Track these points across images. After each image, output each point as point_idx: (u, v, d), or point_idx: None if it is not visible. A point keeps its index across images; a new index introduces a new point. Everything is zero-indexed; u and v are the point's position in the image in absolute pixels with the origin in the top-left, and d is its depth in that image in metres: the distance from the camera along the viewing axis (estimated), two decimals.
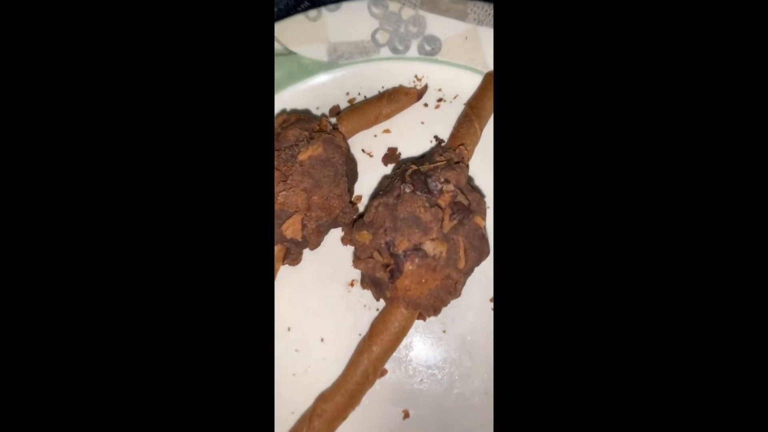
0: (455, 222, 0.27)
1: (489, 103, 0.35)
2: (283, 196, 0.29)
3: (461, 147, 0.31)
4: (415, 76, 0.39)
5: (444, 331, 0.32)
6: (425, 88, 0.38)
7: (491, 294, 0.33)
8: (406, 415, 0.30)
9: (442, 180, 0.28)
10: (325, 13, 0.39)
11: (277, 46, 0.39)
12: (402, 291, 0.27)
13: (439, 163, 0.29)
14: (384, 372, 0.31)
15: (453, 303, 0.32)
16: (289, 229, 0.31)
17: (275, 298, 0.33)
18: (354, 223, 0.30)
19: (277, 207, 0.30)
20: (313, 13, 0.39)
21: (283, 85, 0.39)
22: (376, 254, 0.27)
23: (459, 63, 0.39)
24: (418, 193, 0.28)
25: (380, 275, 0.27)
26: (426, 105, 0.39)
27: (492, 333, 0.32)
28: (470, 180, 0.31)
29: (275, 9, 0.44)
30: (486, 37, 0.38)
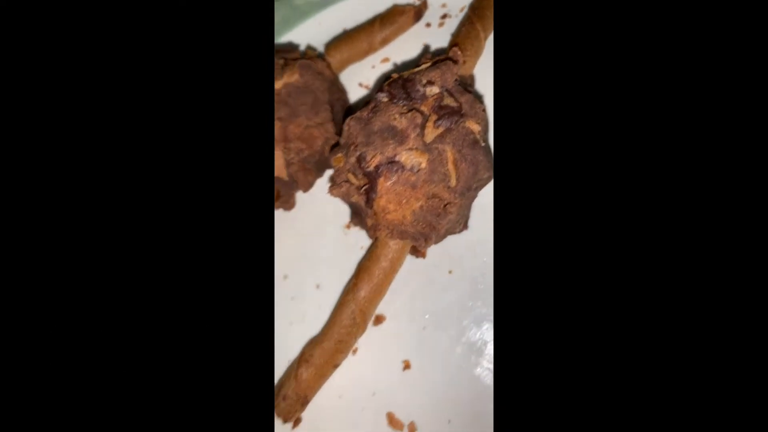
0: (441, 129, 0.23)
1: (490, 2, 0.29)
2: None
3: (455, 48, 0.26)
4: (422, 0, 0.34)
5: (450, 272, 0.27)
6: (424, 4, 0.33)
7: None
8: (407, 366, 0.26)
9: (424, 83, 0.23)
10: None
11: None
12: (381, 215, 0.23)
13: (423, 67, 0.24)
14: (381, 318, 0.28)
15: (460, 239, 0.27)
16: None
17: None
18: (331, 150, 0.27)
19: None
20: None
21: (279, 31, 0.37)
22: (350, 176, 0.24)
23: None
24: (396, 101, 0.23)
25: (356, 199, 0.24)
26: (428, 25, 0.34)
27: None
28: (466, 83, 0.25)
29: None
30: None
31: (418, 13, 0.33)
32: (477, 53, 0.28)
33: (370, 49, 0.33)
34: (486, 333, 0.26)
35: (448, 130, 0.23)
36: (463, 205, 0.24)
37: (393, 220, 0.23)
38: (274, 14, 0.38)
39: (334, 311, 0.26)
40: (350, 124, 0.24)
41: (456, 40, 0.28)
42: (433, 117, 0.23)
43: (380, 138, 0.23)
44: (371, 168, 0.22)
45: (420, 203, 0.23)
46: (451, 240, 0.27)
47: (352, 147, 0.23)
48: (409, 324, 0.27)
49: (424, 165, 0.22)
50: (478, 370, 0.25)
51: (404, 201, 0.22)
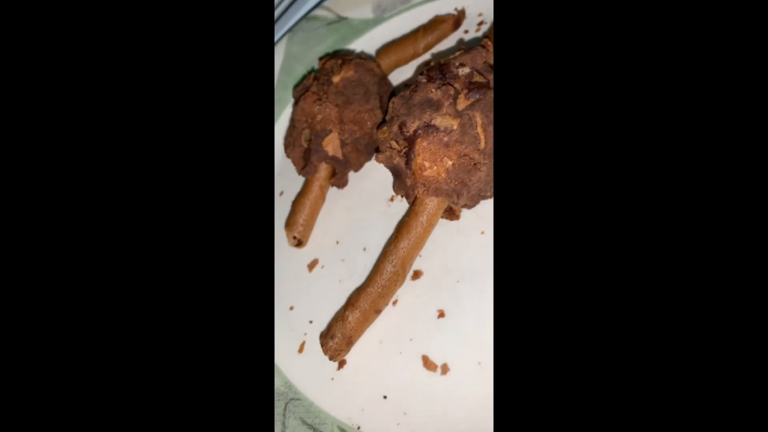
0: (471, 100, 0.27)
1: None
2: (318, 110, 0.33)
3: (486, 39, 0.30)
4: (455, 9, 0.40)
5: (482, 233, 0.30)
6: (462, 13, 0.39)
7: None
8: (441, 314, 0.29)
9: (457, 65, 0.28)
10: None
11: (329, 14, 0.45)
12: (419, 172, 0.27)
13: (457, 54, 0.29)
14: (419, 273, 0.31)
15: (490, 203, 0.30)
16: (329, 145, 0.34)
17: (327, 215, 0.36)
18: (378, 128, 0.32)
19: (315, 124, 0.34)
20: None
21: (338, 47, 0.44)
22: (392, 143, 0.28)
23: None
24: (434, 81, 0.28)
25: (397, 161, 0.28)
26: (466, 31, 0.39)
27: None
28: (492, 69, 0.29)
29: None
30: None
31: (457, 21, 0.39)
32: None
33: (415, 54, 0.39)
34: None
35: (477, 100, 0.27)
36: (491, 167, 0.27)
37: (429, 177, 0.27)
38: (335, 33, 0.45)
39: (377, 262, 0.29)
40: (394, 101, 0.29)
41: (488, 35, 0.33)
42: (464, 91, 0.27)
43: (419, 108, 0.27)
44: (410, 132, 0.27)
45: (452, 161, 0.26)
46: (482, 204, 0.30)
47: (395, 119, 0.28)
48: (445, 278, 0.30)
49: (455, 127, 0.26)
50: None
51: (438, 159, 0.26)
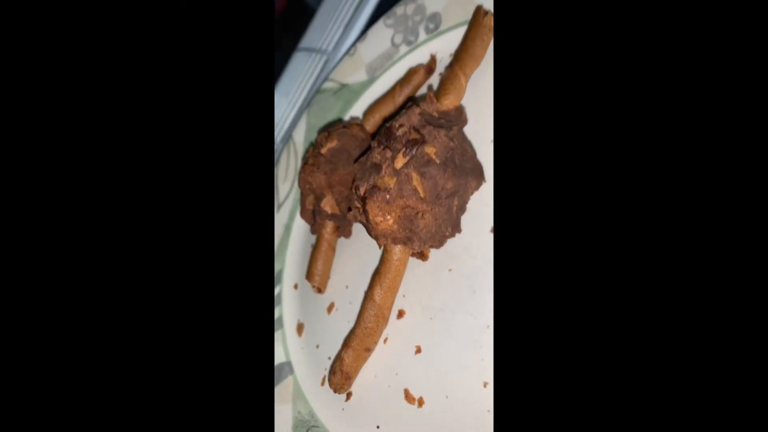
0: (408, 157, 0.30)
1: (470, 43, 0.35)
2: (312, 178, 0.40)
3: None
4: (431, 55, 0.42)
5: (450, 269, 0.32)
6: (433, 60, 0.41)
7: (490, 225, 0.30)
8: (418, 350, 0.31)
9: (397, 126, 0.31)
10: (359, 45, 0.50)
11: (334, 84, 0.52)
12: (375, 226, 0.31)
13: (401, 114, 0.32)
14: (403, 312, 0.34)
15: (456, 242, 0.32)
16: (327, 206, 0.40)
17: (339, 263, 0.42)
18: None
19: (315, 189, 0.40)
20: (351, 50, 0.50)
21: (345, 111, 0.51)
22: (355, 203, 0.33)
23: (459, 22, 0.40)
24: (381, 145, 0.32)
25: (360, 218, 0.32)
26: (441, 74, 0.41)
27: (491, 262, 0.29)
28: (434, 119, 0.31)
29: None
30: None
31: (429, 69, 0.41)
32: (457, 90, 0.34)
33: (395, 107, 0.42)
34: (481, 321, 0.29)
35: (412, 157, 0.30)
36: (438, 212, 0.29)
37: (384, 229, 0.31)
38: (341, 99, 0.52)
39: (360, 307, 0.34)
40: (355, 167, 0.34)
41: (441, 83, 0.35)
42: (402, 150, 0.30)
43: (368, 172, 0.31)
44: (362, 193, 0.31)
45: (397, 214, 0.30)
46: (449, 243, 0.32)
47: (354, 182, 0.33)
48: (421, 315, 0.32)
49: (392, 186, 0.29)
50: (473, 354, 0.28)
51: (385, 214, 0.30)
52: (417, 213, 0.29)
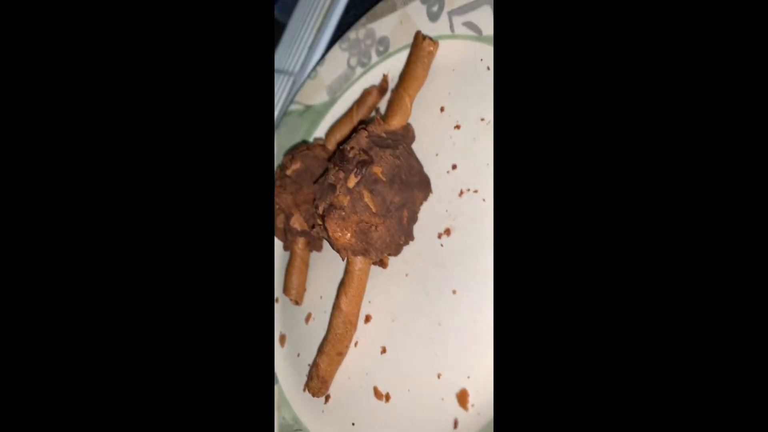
0: (359, 177, 0.33)
1: (412, 66, 0.38)
2: (280, 199, 0.42)
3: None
4: (383, 75, 0.46)
5: (407, 275, 0.35)
6: (385, 80, 0.44)
7: (438, 231, 0.33)
8: (384, 350, 0.34)
9: (349, 149, 0.34)
10: (319, 69, 0.53)
11: (299, 106, 0.55)
12: (335, 241, 0.34)
13: (351, 137, 0.35)
14: (369, 317, 0.36)
15: (410, 248, 0.35)
16: (296, 223, 0.43)
17: (314, 275, 0.45)
18: None
19: (284, 209, 0.43)
20: (312, 73, 0.53)
21: (311, 131, 0.54)
22: (317, 221, 0.35)
23: (406, 44, 0.43)
24: (336, 167, 0.35)
25: (323, 234, 0.35)
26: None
27: (440, 265, 0.32)
28: (382, 139, 0.35)
29: (291, 81, 0.61)
30: (414, 10, 0.41)
31: (382, 89, 0.44)
32: (402, 110, 0.37)
33: (353, 126, 0.46)
34: (433, 319, 0.32)
35: (362, 176, 0.33)
36: (389, 224, 0.33)
37: (344, 243, 0.34)
38: (306, 120, 0.55)
39: (329, 320, 0.37)
40: (314, 188, 0.37)
41: (388, 105, 0.38)
42: (354, 170, 0.33)
43: (325, 192, 0.34)
44: (321, 212, 0.34)
45: (353, 228, 0.33)
46: (405, 250, 0.35)
47: (315, 200, 0.36)
48: (384, 318, 0.35)
49: (346, 203, 0.32)
50: (429, 349, 0.31)
51: (342, 229, 0.33)
52: (371, 226, 0.32)
